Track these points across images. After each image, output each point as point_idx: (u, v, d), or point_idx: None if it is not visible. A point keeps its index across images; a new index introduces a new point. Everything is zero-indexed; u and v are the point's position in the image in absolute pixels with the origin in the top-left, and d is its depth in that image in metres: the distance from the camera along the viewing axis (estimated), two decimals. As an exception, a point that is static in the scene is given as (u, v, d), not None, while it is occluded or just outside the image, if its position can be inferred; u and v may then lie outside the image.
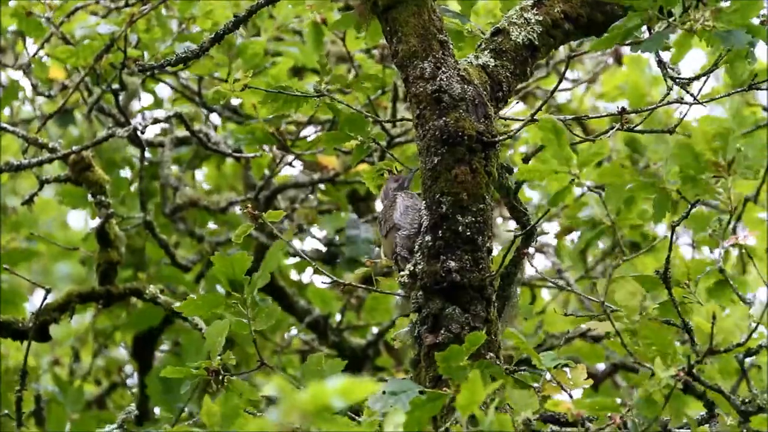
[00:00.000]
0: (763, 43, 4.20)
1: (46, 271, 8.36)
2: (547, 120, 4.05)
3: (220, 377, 4.16)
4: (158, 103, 7.17)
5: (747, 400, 4.04)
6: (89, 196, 5.84)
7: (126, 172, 6.98)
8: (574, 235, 6.55)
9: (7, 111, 7.19)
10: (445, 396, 3.84)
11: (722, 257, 4.39)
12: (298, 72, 6.95)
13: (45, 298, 5.45)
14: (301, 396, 2.85)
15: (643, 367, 3.99)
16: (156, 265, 7.06)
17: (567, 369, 4.10)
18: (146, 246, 6.99)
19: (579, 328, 4.73)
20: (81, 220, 8.64)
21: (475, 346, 3.96)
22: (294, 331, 7.29)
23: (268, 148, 6.43)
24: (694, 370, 3.94)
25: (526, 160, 4.44)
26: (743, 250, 4.81)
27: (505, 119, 4.73)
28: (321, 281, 7.23)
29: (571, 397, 4.03)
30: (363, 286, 4.78)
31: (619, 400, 3.96)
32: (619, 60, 7.68)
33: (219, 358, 4.16)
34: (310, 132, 6.68)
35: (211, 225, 7.17)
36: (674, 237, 4.18)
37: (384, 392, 3.86)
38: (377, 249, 6.74)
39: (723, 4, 4.19)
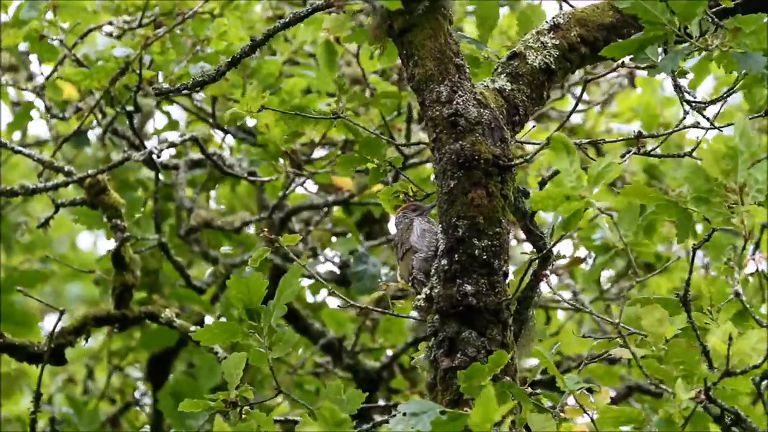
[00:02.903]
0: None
1: (57, 292, 8.37)
2: (558, 138, 4.03)
3: (238, 409, 4.15)
4: (173, 125, 7.18)
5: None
6: (105, 218, 5.84)
7: (139, 193, 6.98)
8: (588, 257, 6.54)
9: (17, 135, 7.20)
10: (466, 416, 3.83)
11: (739, 283, 4.36)
12: (308, 93, 6.96)
13: (59, 320, 5.45)
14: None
15: (663, 389, 3.97)
16: (171, 286, 7.06)
17: (589, 392, 4.09)
18: (161, 267, 6.99)
19: (595, 352, 4.71)
20: (90, 242, 8.66)
21: (499, 366, 3.96)
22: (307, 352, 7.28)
23: (283, 170, 6.43)
24: (711, 392, 3.93)
25: (542, 184, 4.44)
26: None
27: (522, 143, 4.73)
28: (337, 304, 7.21)
29: (593, 420, 4.02)
30: (379, 309, 4.78)
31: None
32: (633, 82, 7.68)
33: (236, 390, 4.14)
34: (323, 152, 6.68)
35: (225, 248, 7.16)
36: (693, 260, 4.18)
37: (404, 413, 3.85)
38: (386, 279, 6.74)
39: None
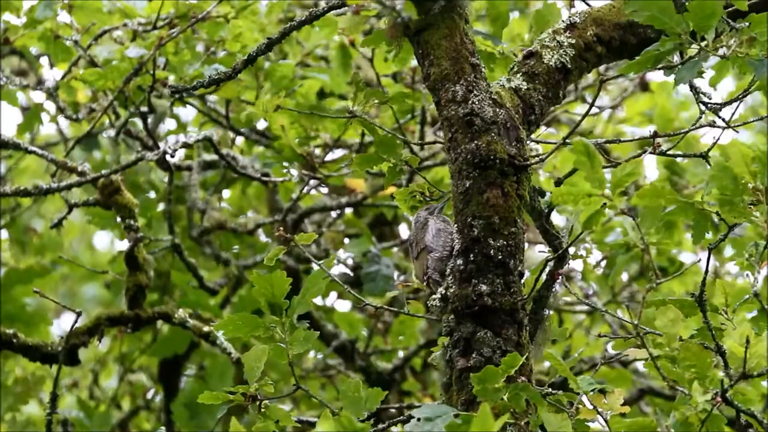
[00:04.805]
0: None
1: (73, 293, 8.36)
2: (578, 143, 4.03)
3: (257, 403, 4.14)
4: (182, 127, 7.18)
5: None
6: (118, 218, 5.84)
7: (150, 195, 6.98)
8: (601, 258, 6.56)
9: (27, 135, 7.20)
10: (481, 418, 3.81)
11: (758, 282, 4.36)
12: (322, 96, 6.97)
13: (75, 322, 5.45)
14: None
15: (679, 390, 3.97)
16: (181, 289, 7.05)
17: (603, 393, 4.09)
18: (171, 270, 6.98)
19: (609, 353, 4.70)
20: (107, 242, 8.66)
21: (512, 368, 3.95)
22: (319, 355, 7.27)
23: (296, 173, 6.42)
24: (728, 395, 3.92)
25: (558, 183, 4.43)
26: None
27: (537, 142, 4.72)
28: (351, 305, 7.20)
29: (606, 421, 4.01)
30: (393, 308, 4.77)
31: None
32: (644, 86, 7.66)
33: (256, 383, 4.13)
34: (337, 155, 6.68)
35: (236, 249, 7.16)
36: (709, 260, 4.17)
37: (418, 418, 3.85)
38: (398, 280, 6.73)
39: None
